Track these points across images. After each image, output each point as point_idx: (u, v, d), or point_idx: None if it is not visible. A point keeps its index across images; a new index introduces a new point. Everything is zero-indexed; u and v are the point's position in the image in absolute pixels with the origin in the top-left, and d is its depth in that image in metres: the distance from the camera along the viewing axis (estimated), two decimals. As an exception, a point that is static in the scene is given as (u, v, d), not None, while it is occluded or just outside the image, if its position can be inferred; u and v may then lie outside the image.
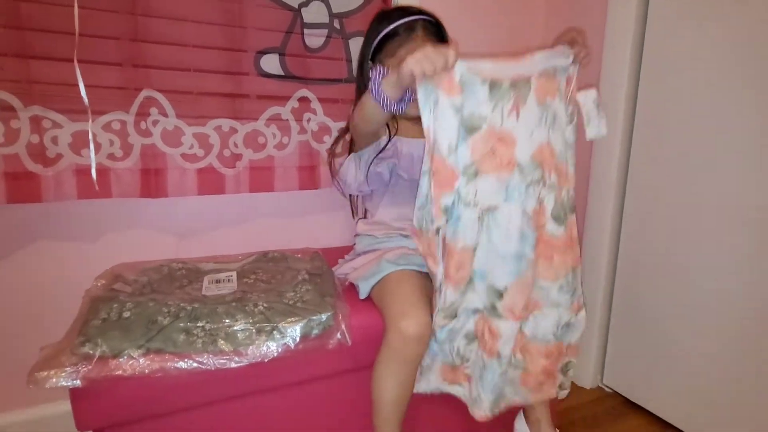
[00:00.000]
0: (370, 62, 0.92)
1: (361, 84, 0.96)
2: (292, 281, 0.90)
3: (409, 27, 0.87)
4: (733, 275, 1.06)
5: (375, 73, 0.69)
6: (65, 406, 1.02)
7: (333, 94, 1.19)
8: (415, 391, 0.81)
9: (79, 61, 0.90)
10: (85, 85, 0.92)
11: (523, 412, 0.94)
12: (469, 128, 0.66)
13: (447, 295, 0.74)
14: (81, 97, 0.92)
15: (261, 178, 1.13)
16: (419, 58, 0.59)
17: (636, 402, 1.32)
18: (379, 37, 0.89)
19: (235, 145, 1.09)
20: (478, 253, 0.72)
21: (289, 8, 1.10)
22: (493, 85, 0.65)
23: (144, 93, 0.98)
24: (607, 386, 1.41)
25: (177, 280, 0.90)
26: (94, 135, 0.95)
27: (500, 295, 0.73)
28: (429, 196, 0.69)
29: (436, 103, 0.64)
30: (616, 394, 1.38)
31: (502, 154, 0.67)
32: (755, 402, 1.04)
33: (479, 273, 0.73)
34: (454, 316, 0.76)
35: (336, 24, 1.15)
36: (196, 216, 1.14)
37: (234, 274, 0.93)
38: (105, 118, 0.96)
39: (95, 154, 0.95)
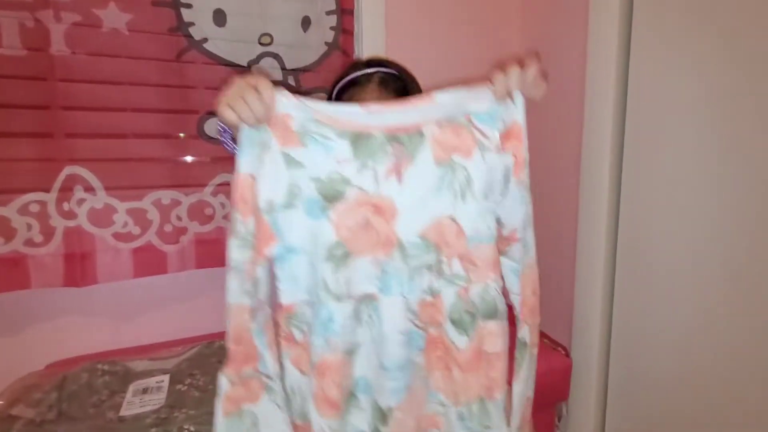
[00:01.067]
0: None
1: None
2: (232, 388, 0.77)
3: (366, 78, 0.77)
4: (740, 336, 0.93)
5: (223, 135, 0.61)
6: None
7: (291, 154, 1.08)
8: None
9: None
10: (1, 159, 0.81)
11: None
12: (326, 196, 0.50)
13: (321, 423, 0.52)
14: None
15: (210, 253, 1.01)
16: (230, 98, 0.47)
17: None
18: (337, 87, 0.80)
19: (179, 218, 0.98)
20: (359, 357, 0.54)
21: (237, 66, 1.00)
22: (358, 138, 0.50)
23: (67, 170, 0.87)
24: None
25: (96, 392, 0.77)
26: (8, 220, 0.83)
27: (384, 418, 0.55)
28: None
29: (266, 146, 0.48)
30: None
31: (379, 226, 0.50)
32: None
33: (362, 385, 0.54)
34: None
35: (290, 80, 1.05)
36: (136, 296, 1.02)
37: (166, 379, 0.81)
38: (22, 200, 0.85)
39: (7, 242, 0.83)
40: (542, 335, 1.17)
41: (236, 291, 0.51)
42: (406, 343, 0.53)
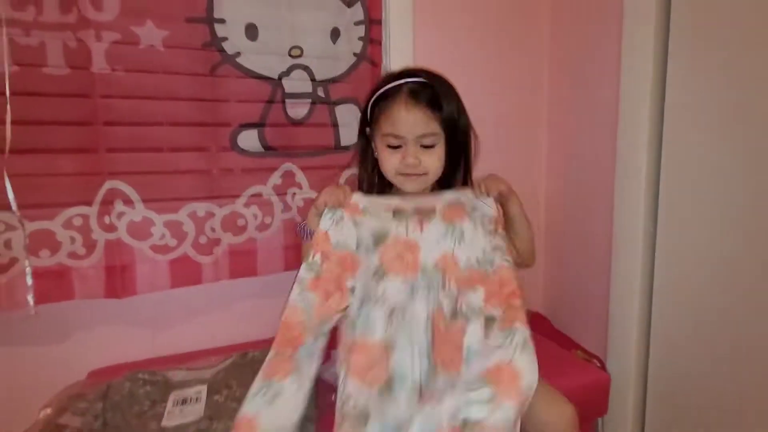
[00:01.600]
0: (367, 126, 0.82)
1: (364, 144, 0.85)
2: (268, 399, 0.78)
3: (398, 89, 0.77)
4: None
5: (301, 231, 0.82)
6: None
7: (320, 163, 1.09)
8: None
9: (37, 151, 0.84)
10: (47, 174, 0.85)
11: None
12: (376, 240, 0.77)
13: (358, 395, 0.68)
14: (38, 193, 0.84)
15: (242, 263, 1.03)
16: (327, 193, 0.78)
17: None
18: (371, 101, 0.80)
19: (213, 230, 1.00)
20: (394, 358, 0.71)
21: (269, 79, 1.01)
22: (398, 211, 0.79)
23: (107, 184, 0.90)
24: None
25: (138, 402, 0.79)
26: (53, 234, 0.87)
27: (419, 391, 0.69)
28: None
29: (341, 218, 0.78)
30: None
31: (408, 258, 0.76)
32: None
33: (399, 377, 0.69)
34: (365, 421, 0.66)
35: (320, 92, 1.06)
36: (172, 306, 1.04)
37: (204, 389, 0.82)
38: (67, 213, 0.88)
39: (53, 254, 0.87)
40: (577, 347, 1.15)
41: (296, 295, 0.74)
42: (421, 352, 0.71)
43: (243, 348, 0.97)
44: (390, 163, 0.78)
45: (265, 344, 0.96)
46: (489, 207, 0.80)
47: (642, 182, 1.11)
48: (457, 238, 0.78)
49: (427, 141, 0.76)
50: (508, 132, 1.34)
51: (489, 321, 0.72)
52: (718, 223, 0.99)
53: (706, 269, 1.03)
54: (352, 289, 0.74)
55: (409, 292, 0.74)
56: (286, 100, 1.03)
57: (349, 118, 1.09)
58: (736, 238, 0.97)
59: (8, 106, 0.81)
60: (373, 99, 0.79)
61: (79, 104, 0.88)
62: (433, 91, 0.76)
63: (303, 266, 0.76)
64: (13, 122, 0.82)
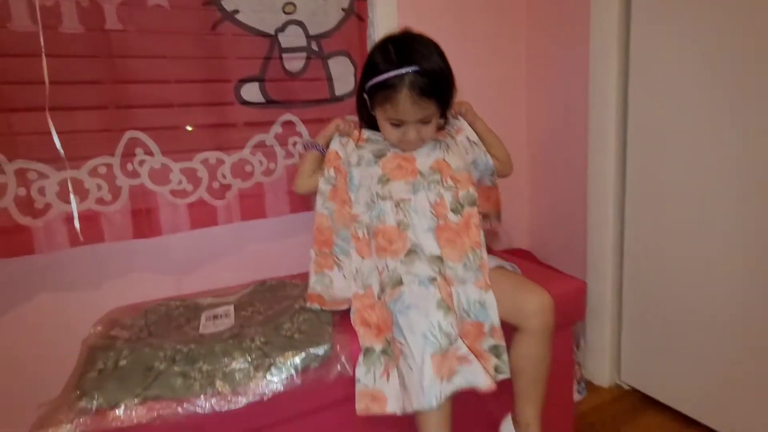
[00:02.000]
0: (366, 98, 0.93)
1: (362, 108, 0.96)
2: (289, 310, 0.89)
3: (399, 82, 0.85)
4: (744, 264, 1.03)
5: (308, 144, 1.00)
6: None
7: (317, 114, 1.18)
8: (416, 409, 0.75)
9: (58, 109, 0.92)
10: (68, 132, 0.93)
11: (512, 415, 0.91)
12: (377, 155, 0.94)
13: (388, 264, 0.86)
14: (65, 146, 0.92)
15: (252, 206, 1.13)
16: (339, 122, 0.97)
17: (655, 398, 1.29)
18: (372, 81, 0.89)
19: (224, 176, 1.09)
20: (410, 233, 0.88)
21: (266, 35, 1.10)
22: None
23: (128, 134, 0.98)
24: (625, 383, 1.37)
25: (174, 319, 0.90)
26: (81, 182, 0.95)
27: (440, 258, 0.87)
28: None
29: (347, 143, 0.96)
30: (635, 391, 1.35)
31: (407, 167, 0.93)
32: (777, 392, 1.01)
33: (417, 246, 0.87)
34: (399, 282, 0.82)
35: (314, 46, 1.15)
36: (192, 251, 1.14)
37: (231, 308, 0.93)
38: (91, 163, 0.97)
39: (83, 201, 0.95)
40: (558, 272, 1.27)
41: (320, 205, 0.95)
42: (431, 218, 0.89)
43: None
44: (393, 135, 0.92)
45: (280, 278, 1.07)
46: (458, 121, 1.01)
47: (612, 125, 1.24)
48: (443, 149, 0.95)
49: (425, 120, 0.89)
50: (491, 86, 1.45)
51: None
52: (687, 147, 1.12)
53: (670, 195, 1.16)
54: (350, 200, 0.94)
55: (411, 189, 0.90)
56: (283, 55, 1.12)
57: (341, 70, 1.18)
58: (705, 160, 1.10)
59: (45, 64, 0.88)
60: (376, 82, 0.87)
61: (96, 63, 0.95)
62: (429, 80, 0.85)
63: (321, 180, 0.95)
64: (41, 82, 0.89)
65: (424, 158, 0.94)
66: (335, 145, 0.96)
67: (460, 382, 0.75)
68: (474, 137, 1.01)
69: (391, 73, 0.85)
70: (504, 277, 0.91)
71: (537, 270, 1.15)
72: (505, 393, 0.87)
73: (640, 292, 1.28)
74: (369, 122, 0.97)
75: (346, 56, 1.18)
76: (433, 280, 0.81)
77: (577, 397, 1.32)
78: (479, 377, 0.76)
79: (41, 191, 0.93)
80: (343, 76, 1.19)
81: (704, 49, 1.04)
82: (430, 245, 0.87)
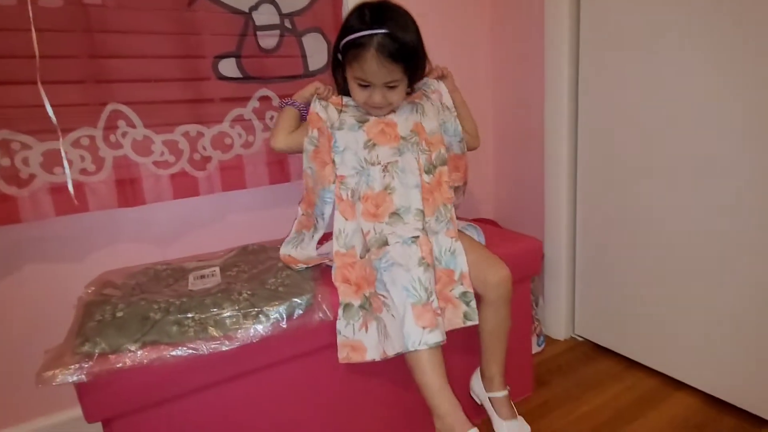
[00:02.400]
0: (339, 56, 0.99)
1: (336, 70, 1.02)
2: (273, 269, 0.97)
3: (369, 42, 0.90)
4: (690, 216, 1.16)
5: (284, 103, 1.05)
6: (69, 414, 1.08)
7: (292, 89, 1.23)
8: (399, 351, 0.84)
9: (42, 82, 0.94)
10: (51, 105, 0.96)
11: (480, 370, 1.03)
12: (359, 121, 1.01)
13: (375, 227, 0.94)
14: (47, 117, 0.95)
15: (232, 177, 1.19)
16: (317, 85, 1.01)
17: (605, 347, 1.44)
18: (343, 42, 0.95)
19: (204, 148, 1.14)
20: (395, 196, 0.96)
21: (240, 12, 1.14)
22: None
23: (110, 107, 1.02)
24: (578, 336, 1.52)
25: (163, 280, 0.95)
26: (66, 152, 0.99)
27: (423, 212, 0.96)
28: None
29: (327, 106, 1.01)
30: (587, 342, 1.50)
31: (389, 132, 1.00)
32: (712, 336, 1.16)
33: (403, 209, 0.95)
34: (385, 242, 0.91)
35: (287, 23, 1.20)
36: (175, 221, 1.19)
37: (217, 269, 0.99)
38: (74, 135, 1.00)
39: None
40: (518, 234, 1.39)
41: (305, 164, 1.01)
42: (419, 174, 0.99)
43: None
44: (359, 96, 0.97)
45: (261, 243, 1.14)
46: (437, 83, 1.10)
47: (564, 102, 1.35)
48: (420, 112, 1.04)
49: (392, 84, 0.95)
50: (458, 59, 1.54)
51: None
52: (630, 124, 1.25)
53: (616, 164, 1.29)
54: (333, 162, 0.98)
55: (397, 152, 0.99)
56: (257, 32, 1.17)
57: (314, 46, 1.24)
58: (643, 138, 1.23)
59: (34, 38, 0.91)
60: (346, 42, 0.93)
61: (76, 38, 0.98)
62: (399, 45, 0.90)
63: (305, 139, 0.99)
64: (24, 56, 0.92)
65: (404, 122, 1.01)
66: (316, 107, 1.00)
67: (437, 336, 0.83)
68: (449, 103, 1.10)
69: (362, 33, 0.89)
70: (469, 248, 0.99)
71: (499, 233, 1.26)
72: (474, 349, 1.00)
73: (590, 254, 1.42)
74: (343, 87, 1.02)
75: (319, 32, 1.24)
76: (415, 238, 0.90)
77: (536, 349, 1.46)
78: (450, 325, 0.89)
79: (25, 161, 0.96)
80: (317, 52, 1.25)
81: (648, 33, 1.16)
82: (416, 201, 0.96)
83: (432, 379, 0.84)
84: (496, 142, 1.68)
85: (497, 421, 0.97)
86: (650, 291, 1.27)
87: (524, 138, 1.55)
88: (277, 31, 1.20)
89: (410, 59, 0.93)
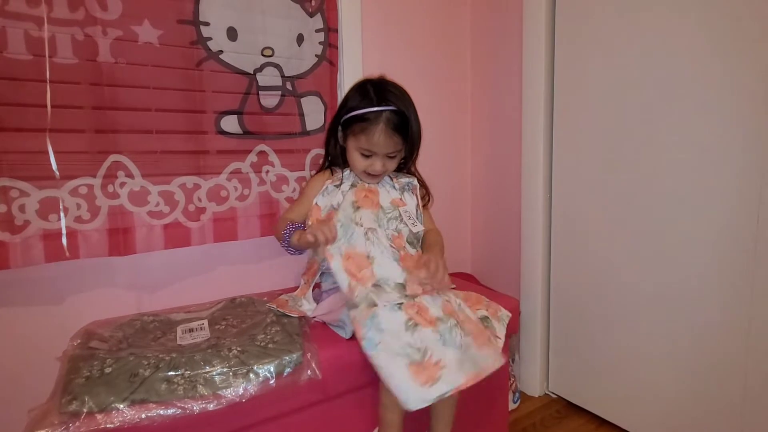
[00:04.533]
0: (339, 130, 1.09)
1: (331, 139, 1.12)
2: (262, 324, 0.98)
3: (377, 117, 1.00)
4: (667, 278, 1.24)
5: (289, 229, 1.04)
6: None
7: (289, 146, 1.30)
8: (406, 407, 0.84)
9: (48, 131, 0.97)
10: (54, 152, 0.98)
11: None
12: (351, 185, 1.10)
13: (359, 290, 0.95)
14: (48, 165, 0.98)
15: (224, 229, 1.21)
16: (318, 232, 0.95)
17: (578, 405, 1.48)
18: (350, 114, 1.04)
19: (199, 200, 1.17)
20: (375, 267, 0.98)
21: (245, 74, 1.21)
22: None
23: (111, 158, 1.05)
24: (552, 392, 1.56)
25: (151, 332, 0.95)
26: (63, 200, 1.00)
27: (404, 286, 0.96)
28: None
29: (329, 192, 1.11)
30: (561, 399, 1.54)
31: (372, 198, 1.08)
32: (687, 396, 1.23)
33: (383, 279, 0.97)
34: (373, 304, 0.91)
35: (288, 86, 1.28)
36: (163, 269, 1.19)
37: (205, 322, 1.00)
38: (72, 183, 1.02)
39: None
40: (496, 292, 1.46)
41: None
42: (392, 251, 1.02)
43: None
44: (360, 164, 1.06)
45: (249, 295, 1.16)
46: (417, 186, 1.17)
47: (540, 165, 1.46)
48: (400, 190, 1.13)
49: (392, 154, 1.05)
50: (440, 122, 1.65)
51: None
52: (600, 187, 1.36)
53: (590, 224, 1.39)
54: (338, 221, 1.04)
55: (375, 219, 1.05)
56: (260, 92, 1.24)
57: (312, 108, 1.32)
58: (614, 197, 1.33)
59: (48, 90, 0.96)
60: (354, 114, 1.02)
61: (86, 91, 1.02)
62: (403, 119, 1.02)
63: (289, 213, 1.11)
64: (34, 105, 0.95)
65: (386, 194, 1.10)
66: (319, 201, 1.09)
67: (441, 388, 0.82)
68: (417, 214, 1.14)
69: (372, 109, 1.00)
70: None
71: (478, 290, 1.32)
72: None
73: (564, 312, 1.49)
74: (334, 155, 1.12)
75: (317, 96, 1.32)
76: (400, 305, 0.92)
77: (512, 405, 1.49)
78: (460, 376, 0.85)
79: (21, 208, 0.96)
80: (314, 113, 1.33)
81: (617, 81, 1.29)
82: (396, 274, 0.97)
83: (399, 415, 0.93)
84: (474, 199, 1.77)
85: None
86: (623, 350, 1.33)
87: (501, 197, 1.65)
88: (279, 92, 1.27)
89: (411, 131, 1.03)
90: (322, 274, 1.12)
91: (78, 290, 1.09)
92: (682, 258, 1.16)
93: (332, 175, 1.11)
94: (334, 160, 1.13)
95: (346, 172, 1.11)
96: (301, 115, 1.32)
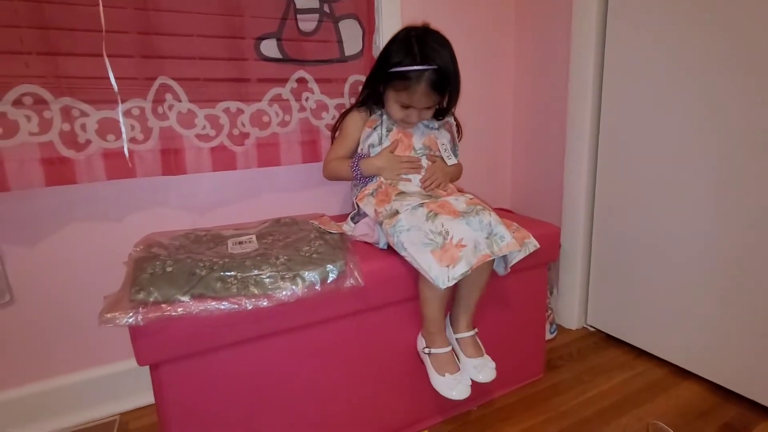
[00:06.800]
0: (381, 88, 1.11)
1: (372, 84, 1.14)
2: (306, 238, 1.03)
3: (419, 76, 1.02)
4: (702, 211, 1.20)
5: (356, 159, 1.13)
6: (123, 366, 1.17)
7: (327, 74, 1.30)
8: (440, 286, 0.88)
9: (100, 55, 1.01)
10: (106, 77, 1.02)
11: (450, 315, 1.07)
12: (387, 130, 1.15)
13: (384, 207, 1.01)
14: (103, 87, 1.03)
15: (268, 154, 1.25)
16: (390, 170, 1.11)
17: (616, 336, 1.48)
18: (395, 69, 1.04)
19: (243, 125, 1.20)
20: (400, 185, 1.08)
21: (284, -5, 1.20)
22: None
23: (159, 80, 1.09)
24: (590, 326, 1.56)
25: (204, 243, 1.02)
26: (117, 122, 1.06)
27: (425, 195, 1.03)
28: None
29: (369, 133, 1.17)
30: (599, 332, 1.54)
31: (405, 141, 1.14)
32: (727, 326, 1.20)
33: (408, 190, 1.06)
34: (396, 212, 0.96)
35: (326, 8, 1.26)
36: (211, 193, 1.25)
37: (253, 236, 1.06)
38: (125, 106, 1.07)
39: (118, 139, 1.06)
40: (535, 222, 1.44)
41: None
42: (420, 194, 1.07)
43: (274, 220, 1.21)
44: (398, 114, 1.10)
45: (292, 217, 1.20)
46: (451, 121, 1.22)
47: (588, 97, 1.39)
48: (436, 128, 1.19)
49: (429, 107, 1.09)
50: (482, 67, 1.58)
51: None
52: (652, 110, 1.28)
53: (637, 153, 1.33)
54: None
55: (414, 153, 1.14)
56: (298, 15, 1.23)
57: (350, 33, 1.30)
58: (663, 135, 1.26)
59: (102, 14, 1.00)
60: (397, 70, 1.03)
61: (132, 15, 1.05)
62: (444, 79, 1.03)
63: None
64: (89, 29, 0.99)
65: (419, 136, 1.15)
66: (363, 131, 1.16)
67: (463, 267, 0.87)
68: (452, 145, 1.21)
69: (415, 68, 1.02)
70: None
71: (517, 219, 1.31)
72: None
73: (606, 245, 1.45)
74: (372, 97, 1.15)
75: (354, 19, 1.30)
76: (421, 204, 0.96)
77: (548, 336, 1.51)
78: (477, 257, 0.89)
79: (83, 127, 1.03)
80: (352, 38, 1.31)
81: (673, 46, 1.19)
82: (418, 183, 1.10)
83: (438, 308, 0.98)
84: (516, 130, 1.72)
85: (464, 360, 1.02)
86: (663, 283, 1.30)
87: (544, 128, 1.59)
88: (317, 15, 1.25)
89: (451, 88, 1.08)
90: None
91: (136, 208, 1.17)
92: (730, 191, 1.09)
93: (369, 116, 1.16)
94: (373, 101, 1.16)
95: (384, 116, 1.15)
96: (339, 41, 1.30)
